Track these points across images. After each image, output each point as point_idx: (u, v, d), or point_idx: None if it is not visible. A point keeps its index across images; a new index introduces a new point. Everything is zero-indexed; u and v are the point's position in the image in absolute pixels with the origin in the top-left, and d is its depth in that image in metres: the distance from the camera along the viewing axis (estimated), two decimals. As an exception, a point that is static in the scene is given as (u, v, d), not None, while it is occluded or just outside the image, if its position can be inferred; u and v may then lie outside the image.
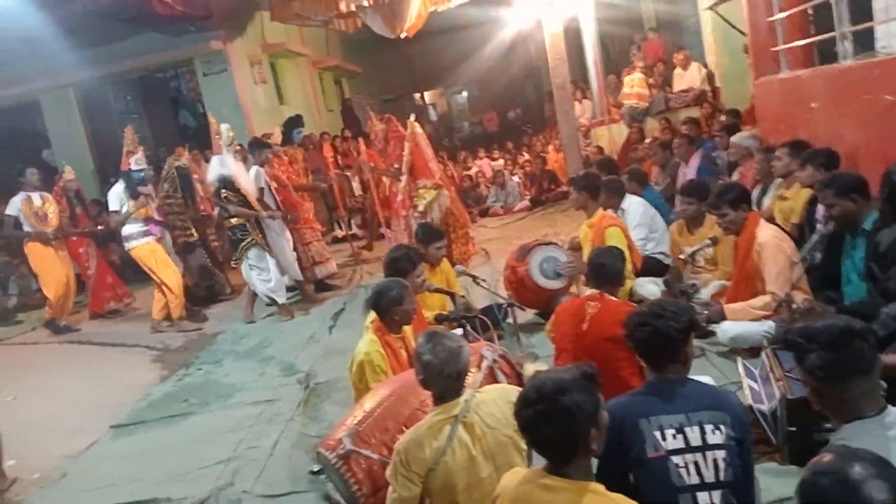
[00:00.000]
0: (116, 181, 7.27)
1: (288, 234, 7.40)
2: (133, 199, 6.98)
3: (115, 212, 7.07)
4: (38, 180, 7.71)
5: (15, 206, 7.46)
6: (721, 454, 2.22)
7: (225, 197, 6.76)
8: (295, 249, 7.48)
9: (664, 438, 2.24)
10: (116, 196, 7.05)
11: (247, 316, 7.04)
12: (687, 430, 2.24)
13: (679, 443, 2.23)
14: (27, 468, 4.44)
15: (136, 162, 7.13)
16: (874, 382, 1.91)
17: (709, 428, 2.24)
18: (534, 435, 1.97)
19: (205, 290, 8.12)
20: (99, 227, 8.27)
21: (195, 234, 7.87)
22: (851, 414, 1.90)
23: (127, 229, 7.03)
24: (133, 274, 8.27)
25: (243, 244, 6.80)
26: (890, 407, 1.91)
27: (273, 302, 6.98)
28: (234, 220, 6.83)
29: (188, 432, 4.63)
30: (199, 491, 3.74)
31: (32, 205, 7.49)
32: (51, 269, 7.62)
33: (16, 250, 8.58)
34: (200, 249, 8.04)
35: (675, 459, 2.22)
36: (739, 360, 3.71)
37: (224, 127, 7.34)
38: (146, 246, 7.05)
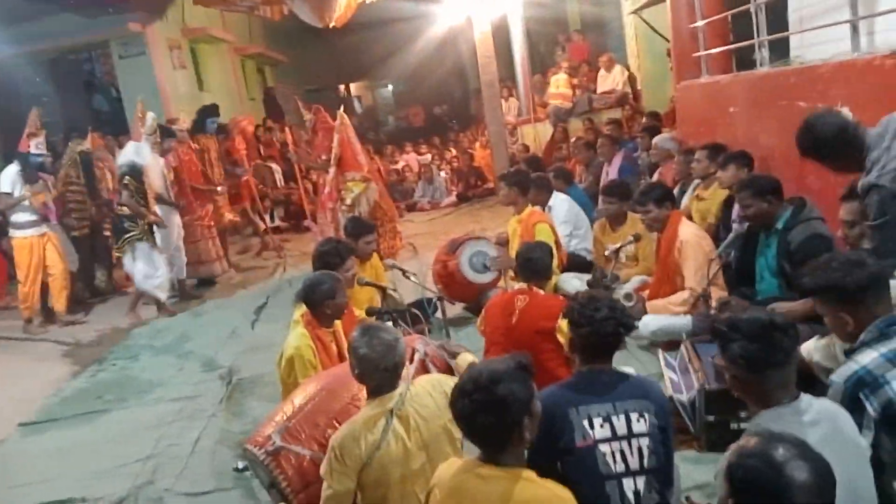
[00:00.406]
0: (13, 162, 6.87)
1: (180, 229, 7.29)
2: (29, 184, 6.63)
3: (7, 194, 6.67)
4: None
5: None
6: (645, 441, 2.29)
7: (125, 184, 6.53)
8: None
9: (592, 427, 2.29)
10: (9, 178, 6.66)
11: (130, 317, 6.77)
12: (613, 418, 2.30)
13: (606, 431, 2.29)
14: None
15: (37, 146, 6.78)
16: (790, 373, 2.01)
17: (634, 416, 2.31)
18: (469, 424, 2.00)
19: (88, 287, 7.78)
20: None
21: (88, 229, 7.53)
22: (768, 401, 2.00)
23: (17, 216, 6.67)
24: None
25: (129, 235, 6.56)
26: (803, 394, 2.01)
27: (155, 301, 6.77)
28: (125, 209, 6.60)
29: (104, 430, 4.45)
30: (118, 490, 3.61)
31: None
32: None
33: None
34: (93, 242, 7.70)
35: (603, 448, 2.28)
36: (660, 352, 3.85)
37: (150, 115, 7.10)
38: (30, 239, 6.70)
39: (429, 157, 13.22)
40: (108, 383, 5.25)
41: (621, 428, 2.29)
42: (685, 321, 3.96)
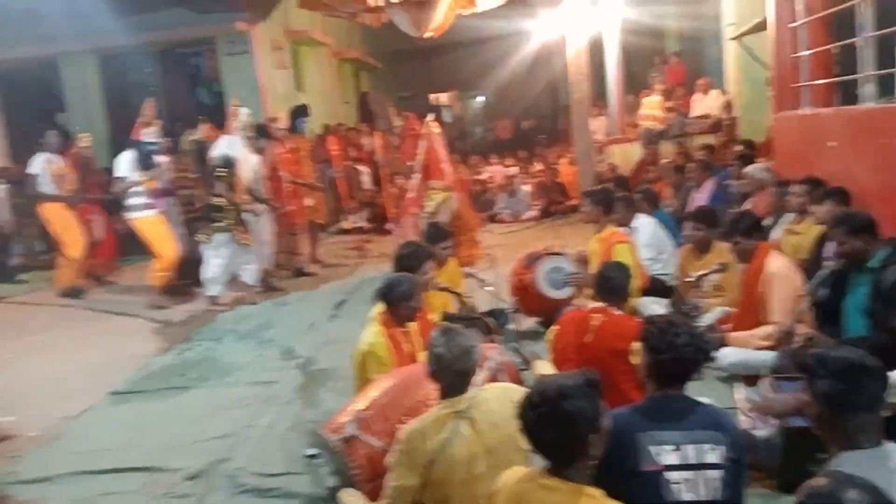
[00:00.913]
0: (128, 149, 7.28)
1: (269, 223, 7.48)
2: (142, 170, 7.02)
3: (121, 179, 7.09)
4: (58, 143, 7.76)
5: (38, 165, 7.47)
6: (717, 473, 2.24)
7: (219, 176, 6.79)
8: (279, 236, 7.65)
9: (660, 454, 2.26)
10: (125, 163, 7.06)
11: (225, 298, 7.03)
12: (684, 447, 2.27)
13: (675, 459, 2.26)
14: (25, 426, 4.48)
15: (150, 134, 7.18)
16: (876, 417, 1.95)
17: (706, 447, 2.26)
18: (535, 437, 2.02)
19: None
20: (109, 196, 8.28)
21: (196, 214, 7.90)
22: (849, 444, 1.94)
23: (132, 200, 7.06)
24: (136, 245, 8.22)
25: (215, 225, 6.77)
26: (886, 441, 1.95)
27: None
28: (215, 200, 6.83)
29: (185, 406, 4.66)
30: (194, 464, 3.77)
31: (53, 166, 7.53)
32: (73, 230, 7.64)
33: (26, 211, 8.58)
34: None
35: (670, 475, 2.24)
36: (738, 385, 3.75)
37: (244, 111, 7.39)
38: (146, 218, 7.08)
39: (514, 169, 13.22)
40: (192, 362, 5.49)
41: (691, 457, 2.26)
42: (767, 356, 3.84)
